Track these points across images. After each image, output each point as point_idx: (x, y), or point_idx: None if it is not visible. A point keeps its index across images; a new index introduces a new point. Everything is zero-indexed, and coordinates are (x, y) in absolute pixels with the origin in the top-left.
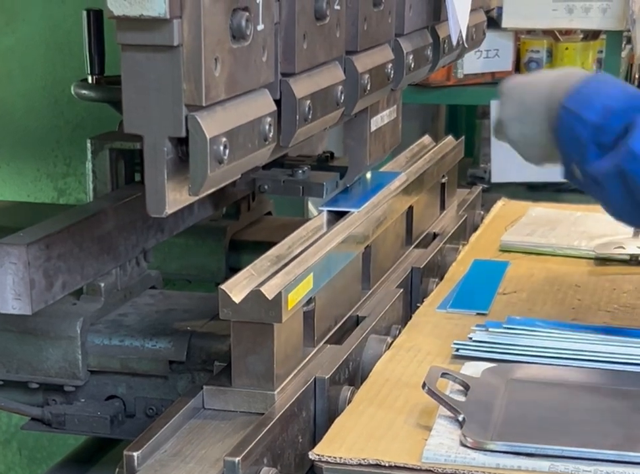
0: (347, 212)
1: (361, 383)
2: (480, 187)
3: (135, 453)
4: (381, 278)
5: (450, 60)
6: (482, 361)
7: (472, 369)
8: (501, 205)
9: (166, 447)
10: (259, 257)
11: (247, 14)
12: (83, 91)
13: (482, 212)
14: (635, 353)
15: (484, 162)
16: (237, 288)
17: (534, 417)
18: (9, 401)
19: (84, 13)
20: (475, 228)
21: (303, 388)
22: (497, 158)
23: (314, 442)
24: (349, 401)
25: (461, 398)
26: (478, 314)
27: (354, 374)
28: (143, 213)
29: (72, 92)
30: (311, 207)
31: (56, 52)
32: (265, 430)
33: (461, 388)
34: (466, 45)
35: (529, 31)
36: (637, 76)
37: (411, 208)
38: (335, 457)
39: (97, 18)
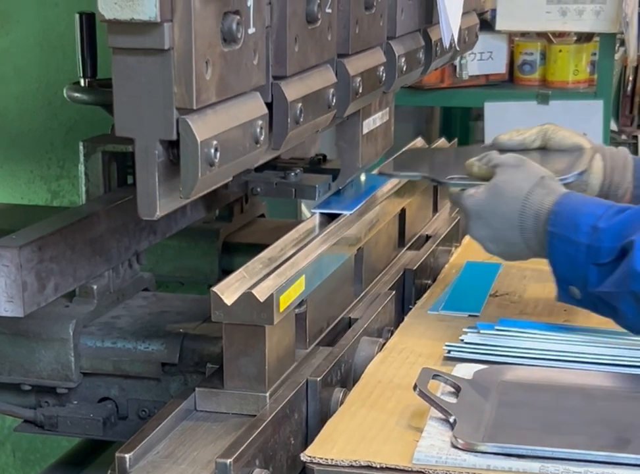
0: (339, 214)
1: (353, 385)
2: None
3: (127, 455)
4: (373, 280)
5: (442, 63)
6: (473, 363)
7: (463, 371)
8: None
9: (158, 449)
10: (252, 259)
11: (238, 17)
12: (76, 94)
13: None
14: (625, 355)
15: None
16: (229, 290)
17: (525, 418)
18: (2, 403)
19: (77, 16)
20: None
21: (295, 390)
22: None
23: (306, 443)
24: (341, 403)
25: (453, 400)
26: (470, 316)
27: (346, 376)
28: (136, 216)
29: (65, 95)
30: (303, 209)
31: (50, 55)
32: (257, 432)
33: (452, 389)
34: (457, 48)
35: (523, 34)
36: (630, 79)
37: (403, 210)
38: (327, 459)
39: (89, 21)
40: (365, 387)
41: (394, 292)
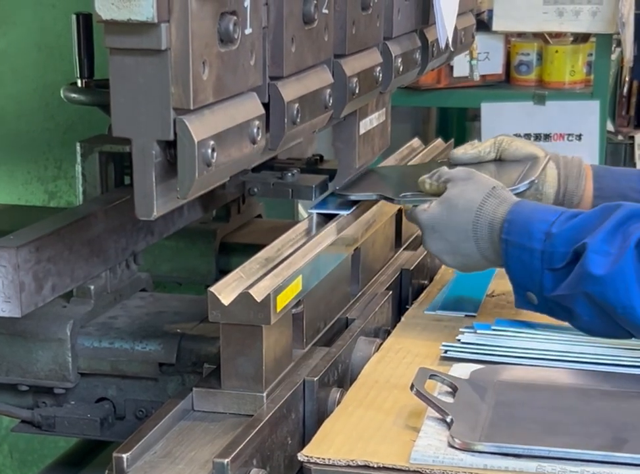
0: (336, 214)
1: (350, 385)
2: None
3: (124, 455)
4: (370, 280)
5: (439, 63)
6: (470, 363)
7: (460, 371)
8: None
9: (155, 448)
10: (249, 260)
11: (235, 18)
12: (73, 95)
13: None
14: (622, 355)
15: None
16: (226, 291)
17: (521, 418)
18: None
19: (73, 17)
20: None
21: (292, 390)
22: None
23: (303, 443)
24: (338, 403)
25: (450, 400)
26: (466, 316)
27: (343, 376)
28: (133, 216)
29: (62, 95)
30: (300, 209)
31: (47, 56)
32: (254, 432)
33: (449, 389)
34: (452, 49)
35: (520, 34)
36: (626, 79)
37: (400, 210)
38: (324, 459)
39: (86, 21)
40: (362, 387)
41: (390, 292)
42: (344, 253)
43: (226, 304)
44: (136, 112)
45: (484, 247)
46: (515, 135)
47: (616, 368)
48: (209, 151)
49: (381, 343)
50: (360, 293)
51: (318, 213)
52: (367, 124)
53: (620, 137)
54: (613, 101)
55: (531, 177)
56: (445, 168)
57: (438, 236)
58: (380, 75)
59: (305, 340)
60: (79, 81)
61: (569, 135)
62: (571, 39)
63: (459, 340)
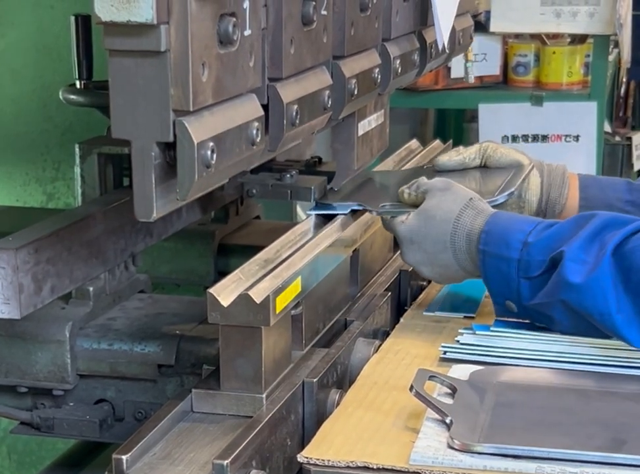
0: (335, 216)
1: (349, 386)
2: None
3: (124, 457)
4: (369, 282)
5: (437, 65)
6: (469, 364)
7: (459, 372)
8: None
9: (155, 450)
10: (248, 261)
11: (234, 19)
12: (72, 96)
13: None
14: (621, 356)
15: None
16: (225, 292)
17: (521, 419)
18: None
19: (72, 18)
20: None
21: (292, 391)
22: None
23: (302, 444)
24: (338, 404)
25: (449, 401)
26: (465, 317)
27: (342, 377)
28: (132, 217)
29: (60, 97)
30: (299, 211)
31: (46, 57)
32: (254, 433)
33: (448, 390)
34: (447, 50)
35: (517, 35)
36: (624, 80)
37: None
38: (323, 460)
39: (85, 23)
40: (361, 388)
41: (389, 293)
42: (343, 255)
43: (225, 305)
44: (136, 113)
45: (462, 258)
46: (513, 136)
47: (615, 370)
48: (209, 152)
49: (380, 345)
50: (359, 295)
51: (317, 214)
52: (365, 125)
53: (617, 138)
54: (611, 102)
55: (511, 188)
56: (424, 179)
57: (416, 247)
58: (379, 76)
59: (304, 341)
60: (78, 83)
61: (566, 136)
62: (569, 40)
63: (458, 341)
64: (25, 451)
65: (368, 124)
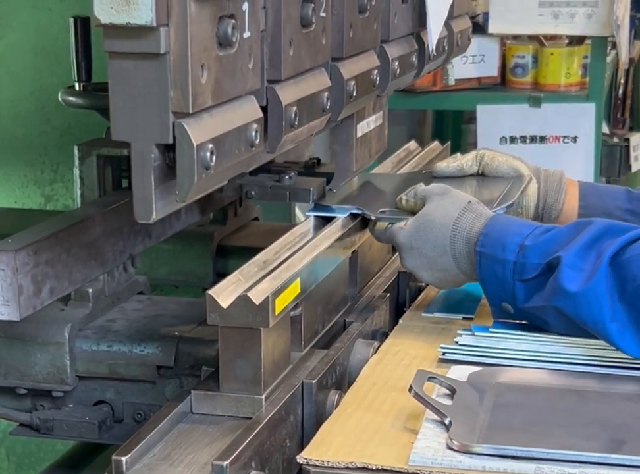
0: (334, 217)
1: (349, 387)
2: None
3: (123, 458)
4: (368, 283)
5: (435, 66)
6: (468, 365)
7: (458, 373)
8: None
9: (154, 451)
10: (246, 263)
11: (233, 21)
12: (71, 98)
13: None
14: (620, 357)
15: None
16: (224, 293)
17: (519, 420)
18: None
19: (71, 20)
20: None
21: (291, 392)
22: None
23: (302, 445)
24: (337, 405)
25: (448, 402)
26: (464, 318)
27: (341, 378)
28: (131, 219)
29: (60, 99)
30: (297, 212)
31: (44, 59)
32: (253, 434)
33: (447, 391)
34: (434, 53)
35: (515, 37)
36: (621, 81)
37: None
38: (323, 461)
39: (84, 25)
40: (360, 389)
41: (388, 295)
42: (342, 256)
43: (224, 307)
44: (135, 115)
45: (462, 261)
46: (511, 137)
47: (614, 370)
48: (208, 154)
49: (379, 346)
50: (358, 296)
51: (315, 216)
52: (364, 126)
53: (615, 140)
54: (609, 103)
55: (509, 200)
56: (421, 185)
57: (415, 253)
58: (378, 78)
59: (303, 343)
60: (77, 85)
61: (564, 137)
62: (567, 41)
63: (457, 342)
64: (24, 453)
65: (367, 125)
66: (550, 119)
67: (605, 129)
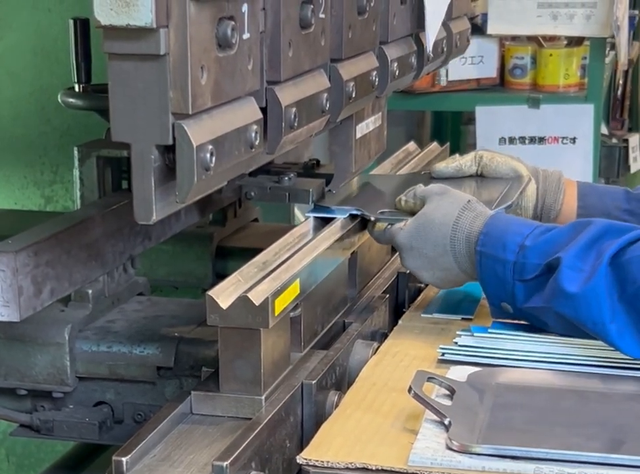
0: (333, 218)
1: (348, 388)
2: None
3: (124, 459)
4: (367, 284)
5: (434, 67)
6: (467, 365)
7: (458, 373)
8: None
9: (154, 452)
10: (246, 264)
11: (232, 23)
12: (70, 100)
13: None
14: (619, 357)
15: None
16: (224, 294)
17: (519, 420)
18: None
19: (71, 22)
20: None
21: (291, 393)
22: None
23: (301, 446)
24: (336, 406)
25: (447, 402)
26: (463, 319)
27: (341, 379)
28: (131, 220)
29: (59, 100)
30: (297, 213)
31: (44, 60)
32: (253, 435)
33: (447, 392)
34: (431, 54)
35: (514, 38)
36: (620, 82)
37: None
38: (322, 461)
39: (83, 26)
40: (359, 390)
41: (387, 295)
42: (341, 257)
43: (224, 308)
44: (135, 117)
45: (462, 260)
46: (510, 138)
47: (614, 371)
48: (208, 155)
49: (378, 347)
50: (357, 297)
51: (315, 217)
52: (363, 128)
53: (614, 140)
54: (608, 104)
55: (508, 201)
56: (420, 186)
57: (416, 253)
58: (377, 79)
59: (302, 343)
60: (76, 86)
61: (563, 138)
62: (565, 42)
63: (456, 343)
64: (24, 454)
65: (366, 126)
66: (549, 120)
67: (604, 130)
